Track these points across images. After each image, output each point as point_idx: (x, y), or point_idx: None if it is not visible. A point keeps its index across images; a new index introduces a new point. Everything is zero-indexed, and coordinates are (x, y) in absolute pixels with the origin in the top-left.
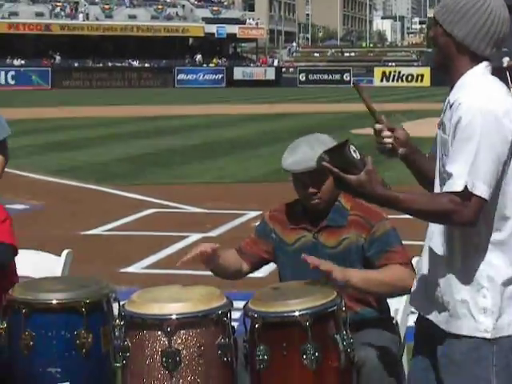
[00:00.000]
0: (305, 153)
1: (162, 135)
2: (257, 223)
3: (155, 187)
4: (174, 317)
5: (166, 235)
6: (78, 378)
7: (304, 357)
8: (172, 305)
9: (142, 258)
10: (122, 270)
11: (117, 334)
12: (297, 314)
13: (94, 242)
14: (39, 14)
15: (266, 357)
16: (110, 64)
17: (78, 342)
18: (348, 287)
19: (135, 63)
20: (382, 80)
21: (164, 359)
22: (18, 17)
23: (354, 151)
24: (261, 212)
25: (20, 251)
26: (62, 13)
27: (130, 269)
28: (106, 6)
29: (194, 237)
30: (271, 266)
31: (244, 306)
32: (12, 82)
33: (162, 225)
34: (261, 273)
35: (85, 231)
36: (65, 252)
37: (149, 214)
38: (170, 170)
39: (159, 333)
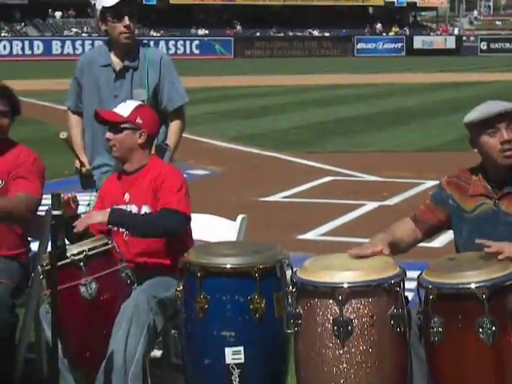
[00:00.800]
0: (489, 103)
1: (341, 103)
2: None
3: (333, 155)
4: (345, 285)
5: (343, 203)
6: (251, 343)
7: (480, 331)
8: (344, 273)
9: (318, 225)
10: (299, 237)
11: (290, 300)
12: (473, 286)
13: (272, 208)
14: None
15: (440, 329)
16: (290, 33)
17: (251, 306)
18: None
19: (315, 32)
20: None
21: (335, 328)
22: None
23: None
24: (439, 181)
25: (196, 215)
26: None
27: (307, 236)
28: None
29: (371, 205)
30: (447, 237)
31: (418, 277)
32: (196, 52)
33: (338, 192)
34: (436, 243)
35: (263, 197)
36: (240, 217)
37: (326, 181)
38: (348, 138)
39: (331, 301)
